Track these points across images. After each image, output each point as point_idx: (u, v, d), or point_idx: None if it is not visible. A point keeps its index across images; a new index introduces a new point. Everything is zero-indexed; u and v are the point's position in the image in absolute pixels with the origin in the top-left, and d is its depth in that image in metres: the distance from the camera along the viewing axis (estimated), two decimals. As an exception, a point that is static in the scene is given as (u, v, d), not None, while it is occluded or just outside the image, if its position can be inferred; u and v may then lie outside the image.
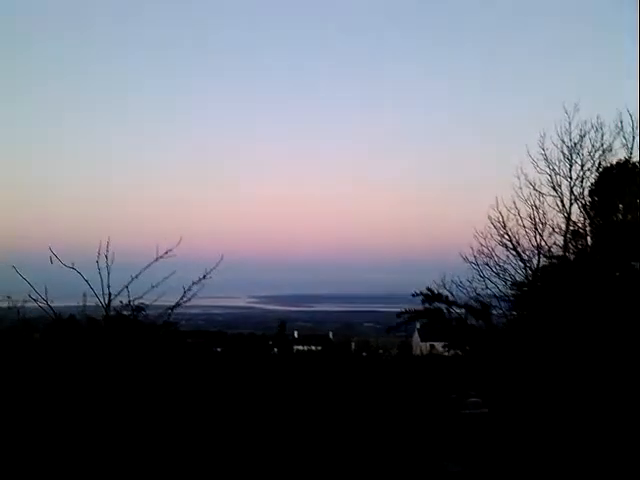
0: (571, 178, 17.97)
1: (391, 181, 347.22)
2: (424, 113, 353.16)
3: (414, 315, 19.16)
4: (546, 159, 18.14)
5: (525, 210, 18.21)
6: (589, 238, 18.07)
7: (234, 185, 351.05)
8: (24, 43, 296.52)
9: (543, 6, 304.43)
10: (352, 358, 44.32)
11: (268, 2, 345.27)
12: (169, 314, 9.56)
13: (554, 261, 17.61)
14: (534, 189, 18.18)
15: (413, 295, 18.47)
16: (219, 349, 41.27)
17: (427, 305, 18.10)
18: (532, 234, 18.10)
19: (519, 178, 18.34)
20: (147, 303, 9.49)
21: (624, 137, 17.54)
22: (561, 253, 17.95)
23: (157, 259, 8.75)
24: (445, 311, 18.07)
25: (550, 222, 18.06)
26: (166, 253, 8.73)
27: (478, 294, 18.13)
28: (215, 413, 13.80)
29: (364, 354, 53.77)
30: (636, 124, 17.23)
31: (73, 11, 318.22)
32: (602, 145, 17.73)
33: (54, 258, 8.34)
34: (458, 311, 18.15)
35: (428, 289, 18.06)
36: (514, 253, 18.26)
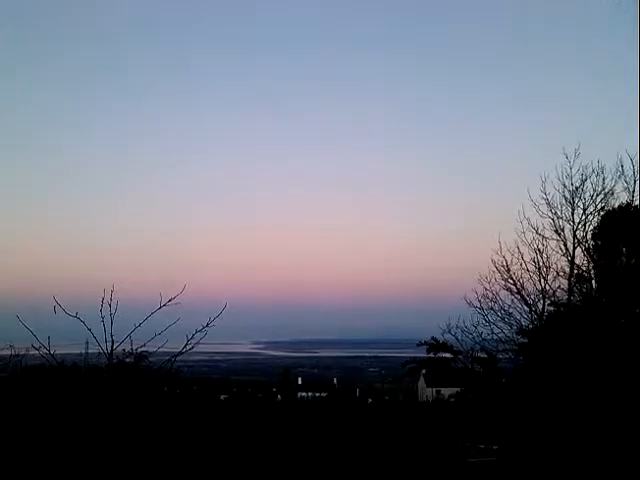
0: (574, 222, 18.00)
1: (393, 225, 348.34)
2: (424, 156, 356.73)
3: (418, 366, 19.00)
4: (548, 203, 18.20)
5: (529, 254, 18.20)
6: (593, 282, 18.01)
7: (237, 232, 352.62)
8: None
9: (542, 50, 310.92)
10: (357, 405, 43.66)
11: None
12: (172, 362, 9.50)
13: (560, 309, 17.46)
14: (537, 233, 18.19)
15: (418, 345, 18.33)
16: (223, 397, 40.81)
17: (432, 354, 17.94)
18: (536, 278, 18.03)
19: (521, 222, 18.37)
20: (150, 351, 9.45)
21: (625, 181, 17.63)
22: (566, 297, 17.86)
23: (161, 307, 8.74)
24: (450, 360, 17.88)
25: (554, 266, 18.01)
26: (170, 301, 8.72)
27: (484, 339, 17.97)
28: (218, 463, 13.56)
29: (369, 400, 53.05)
30: (637, 168, 17.37)
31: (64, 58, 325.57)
32: (604, 189, 17.81)
33: (57, 307, 8.33)
34: (463, 360, 17.97)
35: (433, 338, 17.91)
36: (519, 297, 18.17)
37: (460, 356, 17.75)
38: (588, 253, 18.02)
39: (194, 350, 9.34)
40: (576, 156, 17.98)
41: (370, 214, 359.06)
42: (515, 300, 18.16)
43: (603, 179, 17.81)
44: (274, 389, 62.37)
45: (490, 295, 18.27)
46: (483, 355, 18.04)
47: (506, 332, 18.07)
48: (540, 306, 17.97)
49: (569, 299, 17.83)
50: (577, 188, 17.95)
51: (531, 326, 18.00)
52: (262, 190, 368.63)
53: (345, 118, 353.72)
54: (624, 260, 17.67)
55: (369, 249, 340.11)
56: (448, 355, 17.99)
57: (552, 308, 17.80)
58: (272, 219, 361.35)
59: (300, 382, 74.02)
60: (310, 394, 57.28)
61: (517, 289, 18.15)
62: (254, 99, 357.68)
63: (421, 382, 61.93)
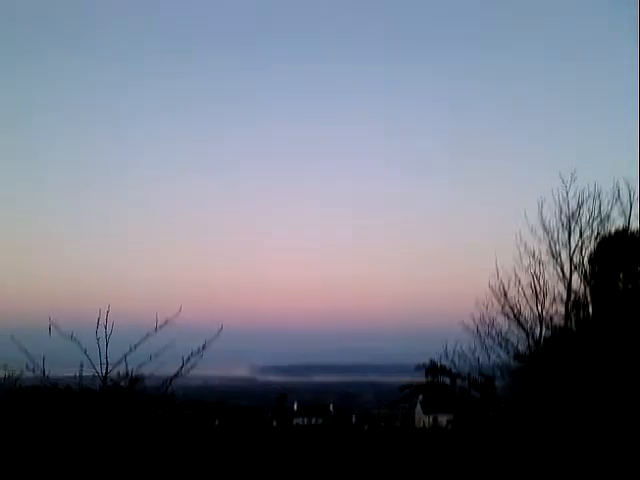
0: (570, 246, 18.02)
1: (390, 249, 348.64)
2: (422, 178, 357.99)
3: (416, 389, 18.91)
4: (545, 228, 18.25)
5: (525, 279, 18.18)
6: (590, 307, 17.98)
7: (233, 255, 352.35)
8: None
9: (536, 78, 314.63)
10: (354, 432, 43.23)
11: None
12: (167, 385, 9.42)
13: (557, 332, 17.41)
14: (534, 258, 18.19)
15: (416, 368, 18.24)
16: (218, 421, 40.41)
17: (430, 378, 17.86)
18: (533, 303, 18.00)
19: (518, 246, 18.39)
20: (145, 374, 9.37)
21: (621, 206, 17.72)
22: (563, 322, 17.80)
23: (157, 329, 8.68)
24: (448, 384, 17.79)
25: (551, 291, 17.99)
26: (166, 323, 8.68)
27: (481, 364, 17.87)
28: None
29: (366, 427, 52.57)
30: (634, 193, 17.44)
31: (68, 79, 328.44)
32: (600, 214, 17.87)
33: (53, 328, 8.29)
34: (461, 384, 17.88)
35: (431, 361, 17.84)
36: (516, 323, 18.11)
37: (458, 380, 17.66)
38: (585, 278, 18.01)
39: (189, 374, 9.26)
40: (572, 180, 18.09)
41: (367, 235, 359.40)
42: (512, 325, 18.11)
43: (599, 204, 17.89)
44: (269, 415, 61.79)
45: (487, 320, 18.24)
46: (481, 379, 17.94)
47: (503, 358, 18.00)
48: (537, 332, 17.90)
49: (566, 325, 17.78)
50: (574, 213, 18.02)
51: (528, 352, 17.92)
52: (261, 214, 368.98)
53: (344, 134, 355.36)
54: (621, 285, 17.67)
55: (366, 273, 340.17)
56: (446, 378, 17.91)
57: (549, 333, 17.75)
58: (269, 241, 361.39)
59: (296, 407, 73.39)
60: (306, 420, 56.75)
61: (514, 314, 18.09)
62: (254, 113, 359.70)
63: (418, 408, 61.40)
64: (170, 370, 9.19)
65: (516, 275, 18.16)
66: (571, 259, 17.92)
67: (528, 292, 18.02)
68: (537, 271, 18.04)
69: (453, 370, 17.72)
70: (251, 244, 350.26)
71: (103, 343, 8.49)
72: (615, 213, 17.80)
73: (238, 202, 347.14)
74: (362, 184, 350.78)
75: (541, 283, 17.96)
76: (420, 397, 51.97)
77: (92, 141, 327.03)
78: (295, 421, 60.29)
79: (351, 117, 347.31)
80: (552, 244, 18.10)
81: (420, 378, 18.47)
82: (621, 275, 17.73)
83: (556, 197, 18.11)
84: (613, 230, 17.93)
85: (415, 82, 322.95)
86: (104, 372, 8.71)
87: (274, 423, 55.90)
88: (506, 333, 17.99)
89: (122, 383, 9.31)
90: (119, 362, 8.74)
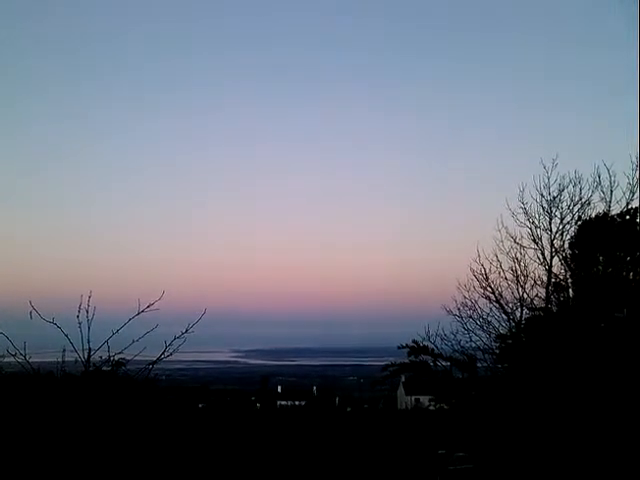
0: (551, 231, 18.21)
1: (374, 234, 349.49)
2: (406, 167, 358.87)
3: (400, 368, 19.06)
4: (526, 213, 18.39)
5: (507, 263, 18.36)
6: (571, 290, 18.21)
7: (217, 240, 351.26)
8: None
9: (522, 63, 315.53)
10: (336, 413, 43.61)
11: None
12: (150, 369, 9.39)
13: (537, 313, 17.66)
14: (515, 242, 18.38)
15: (399, 347, 18.42)
16: (201, 405, 40.51)
17: (412, 358, 18.03)
18: (514, 286, 18.20)
19: (500, 231, 18.56)
20: (128, 358, 9.34)
21: (602, 191, 17.88)
22: (543, 305, 18.02)
23: (139, 313, 8.65)
24: (431, 364, 17.98)
25: (532, 274, 18.20)
26: (148, 307, 8.64)
27: (462, 347, 18.07)
28: (196, 472, 13.44)
29: (348, 409, 53.01)
30: (613, 178, 17.63)
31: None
32: (581, 199, 18.05)
33: (34, 312, 8.22)
34: (444, 364, 18.09)
35: (414, 341, 18.02)
36: (497, 305, 18.32)
37: (440, 359, 17.88)
38: (565, 262, 18.22)
39: (172, 358, 9.25)
40: (554, 166, 18.24)
41: (351, 221, 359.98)
42: (493, 308, 18.32)
43: (580, 189, 18.06)
44: (253, 398, 62.04)
45: (469, 303, 18.43)
46: (463, 358, 18.15)
47: (484, 340, 18.22)
48: (518, 314, 18.13)
49: (546, 307, 18.00)
50: (554, 198, 18.17)
51: (509, 334, 18.15)
52: (245, 198, 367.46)
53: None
54: (600, 269, 17.89)
55: (349, 257, 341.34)
56: (429, 358, 18.10)
57: (530, 314, 17.98)
58: (253, 226, 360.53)
59: (279, 390, 73.73)
60: (289, 402, 57.06)
61: (495, 297, 18.30)
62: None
63: (400, 390, 61.96)
64: (153, 355, 9.17)
65: (498, 259, 18.37)
66: (552, 243, 18.13)
67: (509, 276, 18.25)
68: (518, 255, 18.26)
69: (435, 351, 17.92)
70: (236, 229, 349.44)
71: (85, 328, 8.45)
72: (595, 198, 18.00)
73: (223, 187, 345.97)
74: (351, 174, 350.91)
75: (522, 267, 18.18)
76: (403, 378, 52.61)
77: (65, 129, 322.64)
78: (279, 403, 60.57)
79: (340, 99, 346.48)
80: (533, 228, 18.30)
81: (402, 359, 18.62)
82: (601, 259, 17.95)
83: (538, 182, 18.29)
84: (593, 215, 18.12)
85: (406, 64, 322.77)
86: (86, 357, 8.67)
87: (258, 405, 56.16)
88: (487, 316, 18.22)
89: (104, 368, 9.27)
90: (101, 347, 8.70)
